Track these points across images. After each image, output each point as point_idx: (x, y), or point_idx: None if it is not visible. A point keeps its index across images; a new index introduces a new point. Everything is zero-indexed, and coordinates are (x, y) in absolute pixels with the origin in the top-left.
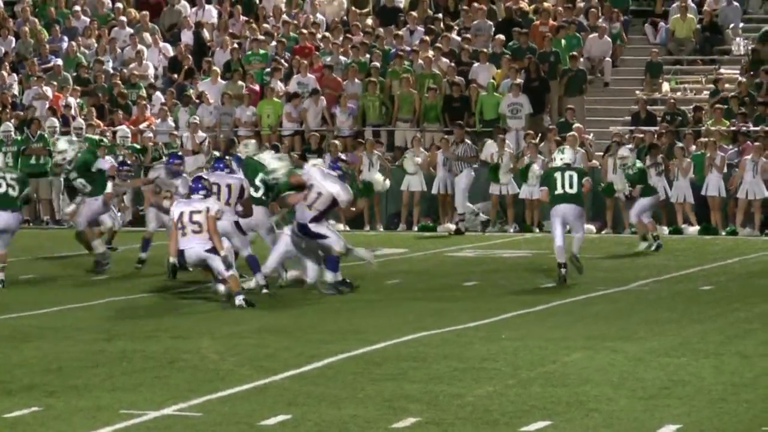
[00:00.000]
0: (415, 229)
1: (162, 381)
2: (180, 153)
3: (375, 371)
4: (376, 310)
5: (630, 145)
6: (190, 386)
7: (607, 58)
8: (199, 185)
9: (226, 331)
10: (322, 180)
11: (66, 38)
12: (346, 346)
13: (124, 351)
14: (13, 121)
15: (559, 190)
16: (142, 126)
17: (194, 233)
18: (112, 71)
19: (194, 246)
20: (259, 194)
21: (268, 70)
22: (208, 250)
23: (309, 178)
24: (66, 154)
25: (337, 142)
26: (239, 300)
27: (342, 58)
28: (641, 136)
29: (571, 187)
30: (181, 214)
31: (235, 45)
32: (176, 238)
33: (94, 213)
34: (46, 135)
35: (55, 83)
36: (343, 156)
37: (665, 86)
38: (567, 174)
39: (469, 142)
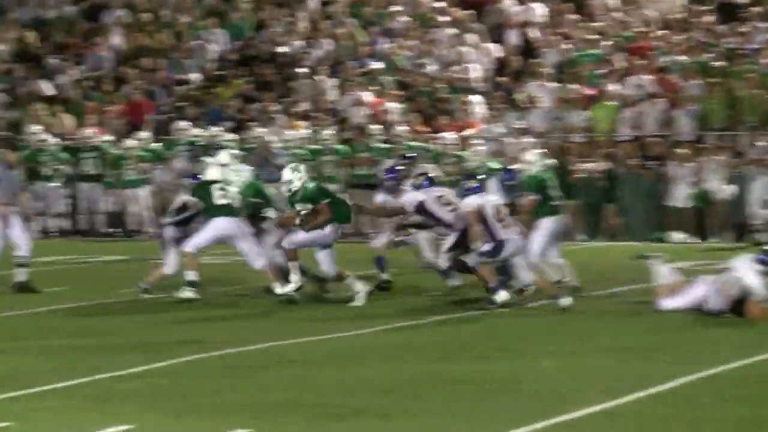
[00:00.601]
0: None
1: (502, 404)
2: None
3: (728, 393)
4: (723, 328)
5: None
6: (532, 409)
7: None
8: (477, 186)
9: (567, 350)
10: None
11: (384, 40)
12: (697, 366)
13: (459, 372)
14: (333, 128)
15: None
16: (468, 132)
17: (511, 226)
18: (433, 74)
19: (514, 237)
20: (557, 201)
21: (602, 71)
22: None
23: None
24: (292, 185)
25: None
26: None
27: (679, 57)
28: None
29: None
30: (497, 207)
31: (566, 45)
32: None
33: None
34: (371, 144)
35: (374, 88)
36: None
37: None
38: None
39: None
